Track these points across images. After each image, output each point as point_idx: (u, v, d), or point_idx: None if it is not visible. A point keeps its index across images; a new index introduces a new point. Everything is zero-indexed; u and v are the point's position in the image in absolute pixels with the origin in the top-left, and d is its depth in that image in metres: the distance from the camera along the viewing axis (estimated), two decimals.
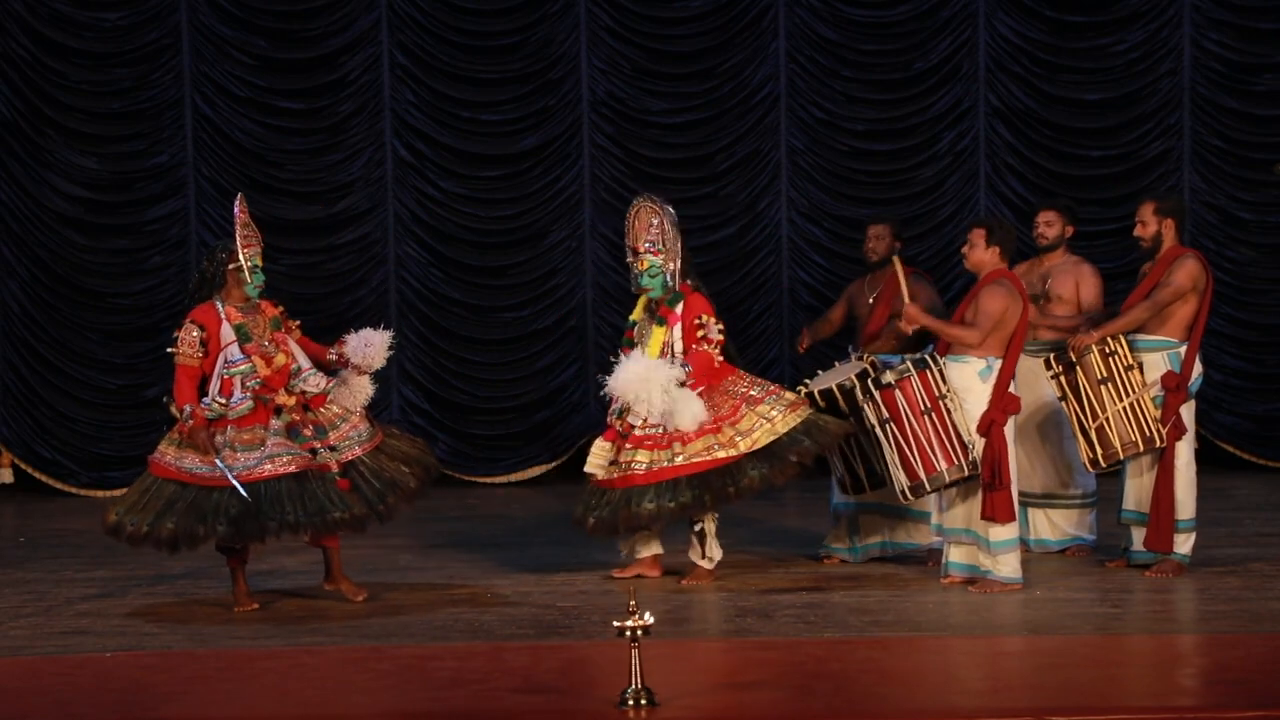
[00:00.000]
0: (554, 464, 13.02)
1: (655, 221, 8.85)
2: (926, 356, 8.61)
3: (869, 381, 8.63)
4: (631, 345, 8.91)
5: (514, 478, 13.09)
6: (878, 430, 8.61)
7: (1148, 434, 8.64)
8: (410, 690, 6.75)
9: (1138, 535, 8.86)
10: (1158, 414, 8.65)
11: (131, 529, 8.30)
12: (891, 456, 8.58)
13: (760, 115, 13.11)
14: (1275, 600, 8.24)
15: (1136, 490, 8.86)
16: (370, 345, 8.48)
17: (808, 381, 9.05)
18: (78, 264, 13.05)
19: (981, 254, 8.59)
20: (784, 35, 13.07)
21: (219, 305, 8.43)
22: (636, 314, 9.01)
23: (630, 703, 6.12)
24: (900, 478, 8.57)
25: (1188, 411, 8.74)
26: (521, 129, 13.13)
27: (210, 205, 13.06)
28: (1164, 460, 8.70)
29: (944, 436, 8.47)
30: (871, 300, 9.50)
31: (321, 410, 8.48)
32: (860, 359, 9.00)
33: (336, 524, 8.26)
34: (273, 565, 9.49)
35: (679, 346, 8.82)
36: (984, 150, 13.07)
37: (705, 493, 8.53)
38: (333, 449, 8.37)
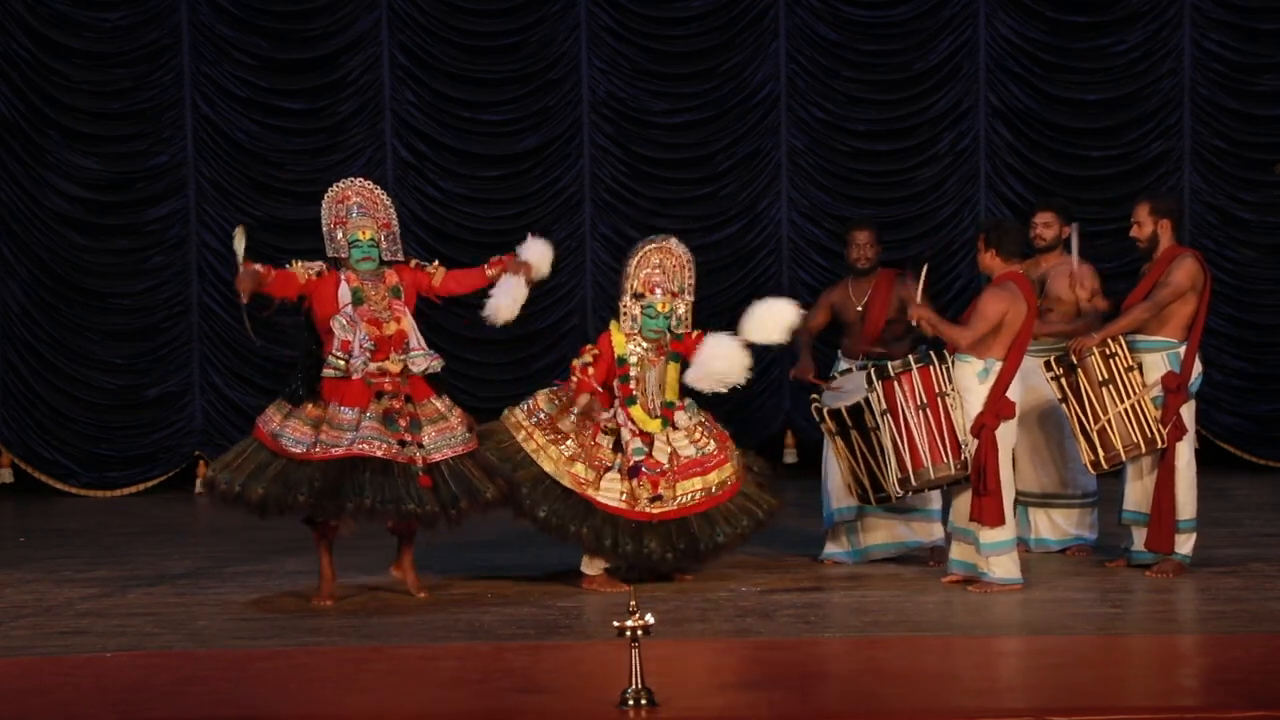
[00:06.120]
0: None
1: (687, 266, 8.97)
2: (932, 353, 8.61)
3: (873, 373, 8.65)
4: (626, 381, 8.87)
5: None
6: (878, 421, 8.63)
7: (1149, 435, 8.63)
8: (410, 690, 6.75)
9: (1139, 535, 8.86)
10: (1158, 415, 8.65)
11: (224, 487, 8.42)
12: (887, 447, 8.60)
13: (760, 115, 13.11)
14: (1275, 600, 8.24)
15: (1137, 491, 8.85)
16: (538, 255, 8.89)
17: (816, 396, 9.06)
18: (78, 264, 13.06)
19: (983, 258, 8.59)
20: (784, 35, 13.07)
21: (341, 273, 8.60)
22: (623, 348, 8.92)
23: (630, 703, 6.11)
24: (893, 470, 8.59)
25: (1188, 412, 8.74)
26: (521, 129, 13.14)
27: (210, 205, 13.07)
28: (1165, 461, 8.69)
29: (936, 434, 8.47)
30: (861, 307, 9.46)
31: (422, 404, 8.53)
32: (862, 368, 9.00)
33: (408, 515, 8.36)
34: (273, 566, 9.50)
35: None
36: (984, 150, 13.07)
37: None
38: (421, 446, 8.41)
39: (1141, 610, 8.21)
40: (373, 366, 8.44)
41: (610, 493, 8.71)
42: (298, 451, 8.33)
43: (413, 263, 8.77)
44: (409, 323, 8.58)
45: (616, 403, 8.84)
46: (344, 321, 8.46)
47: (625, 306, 8.93)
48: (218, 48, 13.03)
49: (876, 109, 13.12)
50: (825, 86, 13.10)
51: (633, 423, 8.78)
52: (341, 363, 8.43)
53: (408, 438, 8.39)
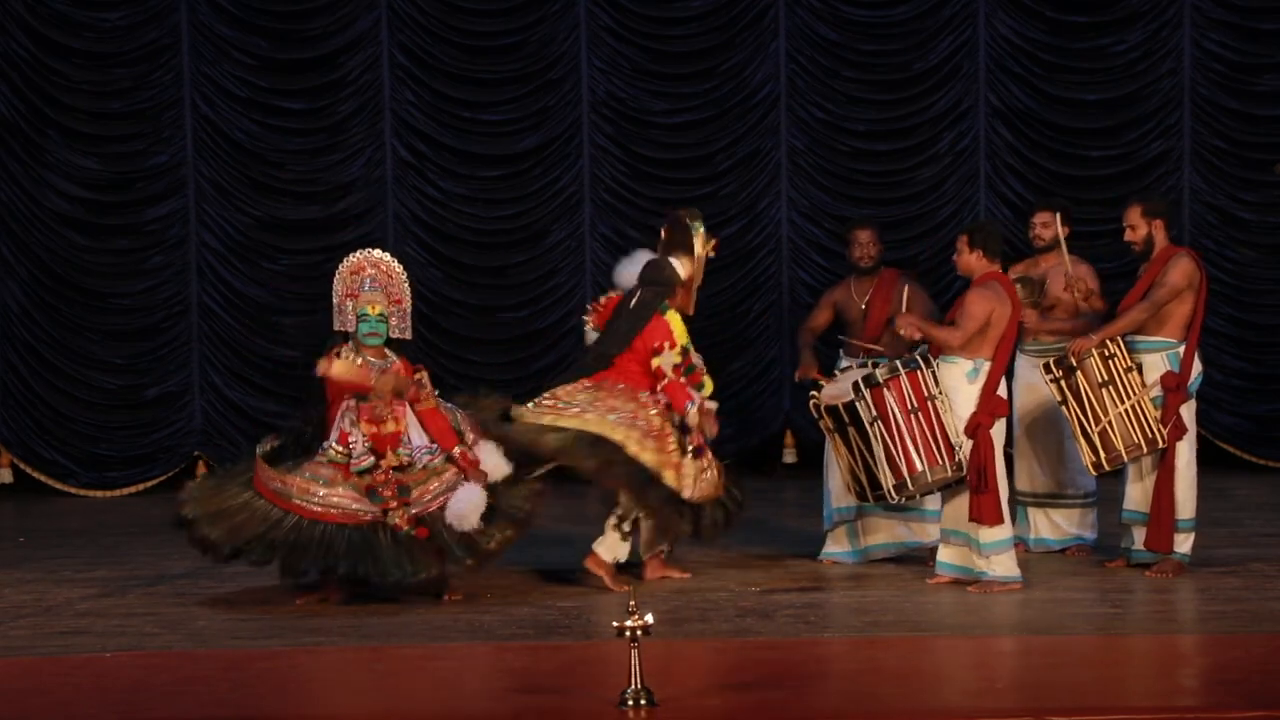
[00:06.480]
0: (554, 464, 12.98)
1: None
2: (918, 357, 8.62)
3: (861, 381, 8.65)
4: (695, 369, 8.79)
5: None
6: (869, 429, 8.62)
7: (1149, 435, 8.63)
8: (410, 690, 6.75)
9: (1138, 535, 8.86)
10: (1158, 415, 8.65)
11: (191, 520, 8.35)
12: (880, 454, 8.59)
13: (760, 115, 13.11)
14: (1275, 600, 8.24)
15: (1138, 491, 8.86)
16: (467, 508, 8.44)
17: (815, 394, 9.06)
18: (78, 264, 13.06)
19: (967, 258, 8.61)
20: (784, 35, 13.07)
21: (351, 354, 8.52)
22: (685, 336, 8.82)
23: (630, 703, 6.12)
24: (887, 476, 8.59)
25: (1188, 411, 8.74)
26: (521, 129, 13.14)
27: (210, 205, 13.06)
28: (1165, 460, 8.70)
29: (930, 437, 8.48)
30: (864, 305, 9.48)
31: (409, 469, 8.43)
32: (864, 365, 9.00)
33: (396, 586, 8.28)
34: (272, 566, 9.48)
35: None
36: (984, 150, 13.07)
37: None
38: (407, 505, 8.32)
39: (1141, 610, 8.21)
40: (369, 463, 8.39)
41: (688, 479, 8.69)
42: (292, 501, 8.29)
43: (418, 374, 8.64)
44: (407, 422, 8.50)
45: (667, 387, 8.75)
46: (353, 417, 8.44)
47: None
48: (217, 48, 13.03)
49: (876, 109, 13.12)
50: (825, 86, 13.10)
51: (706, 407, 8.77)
52: (339, 455, 8.39)
53: (393, 504, 8.32)
